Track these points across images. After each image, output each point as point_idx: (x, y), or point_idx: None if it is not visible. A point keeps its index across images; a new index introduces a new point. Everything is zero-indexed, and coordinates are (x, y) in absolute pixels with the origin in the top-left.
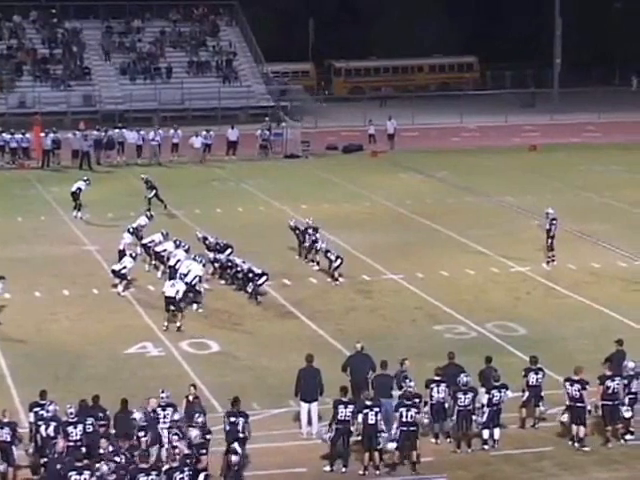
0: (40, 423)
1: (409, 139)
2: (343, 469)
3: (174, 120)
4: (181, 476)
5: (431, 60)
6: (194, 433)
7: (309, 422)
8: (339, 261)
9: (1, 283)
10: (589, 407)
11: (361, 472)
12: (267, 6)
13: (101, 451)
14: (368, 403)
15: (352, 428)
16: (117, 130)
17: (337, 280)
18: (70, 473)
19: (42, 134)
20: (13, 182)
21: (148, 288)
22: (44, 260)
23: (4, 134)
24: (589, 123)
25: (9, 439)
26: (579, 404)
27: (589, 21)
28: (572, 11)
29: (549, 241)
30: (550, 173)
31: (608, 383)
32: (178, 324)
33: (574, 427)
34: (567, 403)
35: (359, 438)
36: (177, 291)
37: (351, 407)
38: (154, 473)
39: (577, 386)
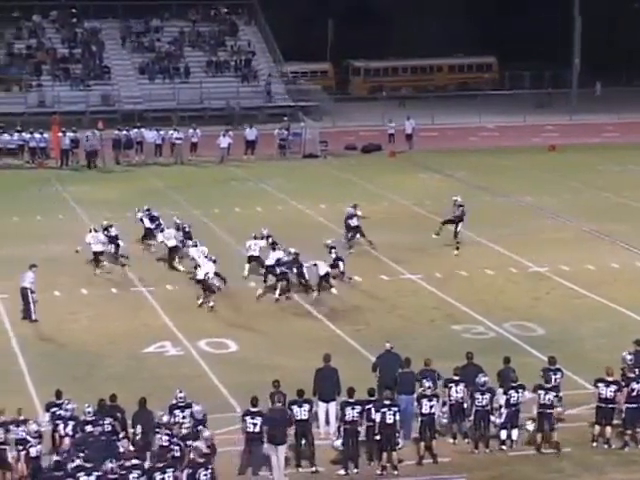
0: (58, 422)
1: (428, 139)
2: (355, 470)
3: (192, 120)
4: (205, 473)
5: (450, 60)
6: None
7: (327, 421)
8: (342, 265)
9: (32, 272)
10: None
11: (379, 472)
12: (286, 6)
13: (121, 450)
14: (387, 402)
15: (360, 429)
16: (136, 129)
17: (332, 287)
18: (79, 474)
19: (60, 134)
20: (32, 181)
21: (166, 288)
22: (63, 259)
23: (23, 133)
24: (608, 123)
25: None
26: (611, 405)
27: (607, 21)
28: (591, 11)
29: (456, 227)
30: (569, 173)
31: (633, 385)
32: (211, 304)
33: (597, 427)
34: (597, 404)
35: (377, 438)
36: (206, 273)
37: (358, 408)
38: (170, 470)
39: (613, 387)
